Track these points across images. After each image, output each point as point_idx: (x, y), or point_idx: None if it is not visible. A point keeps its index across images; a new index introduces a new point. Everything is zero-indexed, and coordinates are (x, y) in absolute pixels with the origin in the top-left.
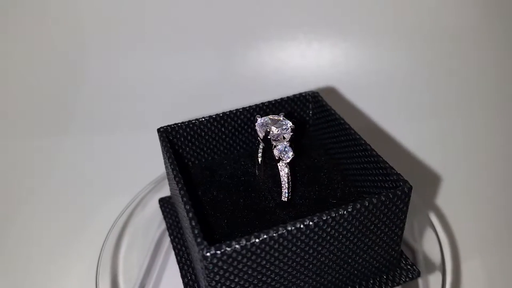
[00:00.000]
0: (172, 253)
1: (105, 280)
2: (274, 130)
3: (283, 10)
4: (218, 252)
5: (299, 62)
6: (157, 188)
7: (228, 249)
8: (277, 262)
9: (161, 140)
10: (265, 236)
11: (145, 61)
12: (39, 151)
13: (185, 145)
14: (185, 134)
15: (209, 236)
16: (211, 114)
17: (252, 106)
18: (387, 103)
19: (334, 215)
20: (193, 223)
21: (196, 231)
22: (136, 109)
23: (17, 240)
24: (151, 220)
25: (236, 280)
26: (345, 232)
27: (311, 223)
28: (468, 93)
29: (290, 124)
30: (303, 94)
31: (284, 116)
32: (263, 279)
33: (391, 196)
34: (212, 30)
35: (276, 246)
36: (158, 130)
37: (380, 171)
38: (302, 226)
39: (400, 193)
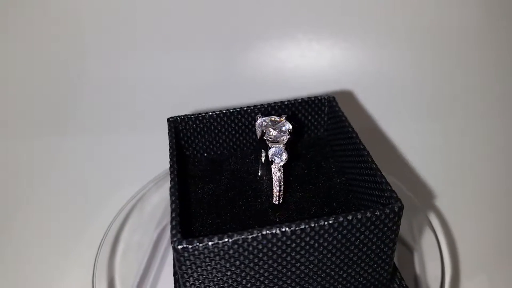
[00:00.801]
0: (170, 254)
1: (102, 282)
2: (272, 131)
3: (283, 10)
4: (190, 246)
5: (299, 62)
6: (156, 189)
7: (200, 245)
8: (252, 265)
9: (169, 130)
10: (238, 237)
11: (145, 61)
12: (38, 151)
13: (194, 136)
14: (194, 126)
15: (193, 230)
16: (223, 109)
17: (264, 104)
18: (388, 104)
19: (313, 225)
20: (173, 215)
21: (174, 223)
22: (136, 109)
23: (15, 241)
24: (149, 220)
25: (210, 276)
26: (326, 244)
27: (287, 229)
28: (471, 95)
29: (289, 127)
30: (319, 97)
31: (286, 118)
32: (237, 279)
33: (378, 213)
34: (212, 30)
35: (250, 248)
36: (168, 119)
37: (377, 185)
38: (278, 231)
39: (388, 211)
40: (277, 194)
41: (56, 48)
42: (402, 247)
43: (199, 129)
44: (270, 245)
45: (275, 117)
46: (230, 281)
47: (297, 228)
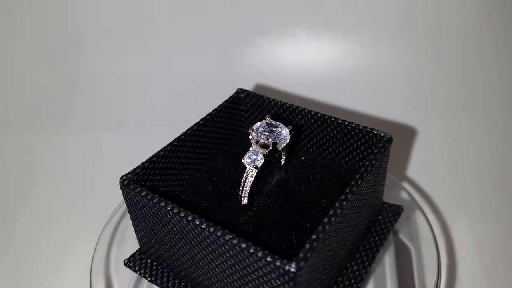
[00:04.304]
0: None
1: (99, 280)
2: (261, 137)
3: (281, 6)
4: (128, 187)
5: (298, 59)
6: None
7: (137, 194)
8: (179, 236)
9: (230, 97)
10: (164, 204)
11: (144, 60)
12: (38, 148)
13: (254, 116)
14: (256, 105)
15: (163, 186)
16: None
17: (318, 113)
18: (384, 100)
19: (212, 230)
20: (145, 159)
21: (139, 165)
22: (135, 107)
23: (14, 239)
24: None
25: (145, 219)
26: (222, 256)
27: (194, 222)
28: (474, 94)
29: (285, 139)
30: (375, 132)
31: (291, 130)
32: (165, 236)
33: (276, 264)
34: (211, 28)
35: (174, 221)
36: (237, 90)
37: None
38: (189, 218)
39: (280, 265)
40: (240, 194)
41: (56, 48)
42: (400, 248)
43: (260, 110)
44: (188, 228)
45: (281, 124)
46: (160, 233)
47: (201, 224)
